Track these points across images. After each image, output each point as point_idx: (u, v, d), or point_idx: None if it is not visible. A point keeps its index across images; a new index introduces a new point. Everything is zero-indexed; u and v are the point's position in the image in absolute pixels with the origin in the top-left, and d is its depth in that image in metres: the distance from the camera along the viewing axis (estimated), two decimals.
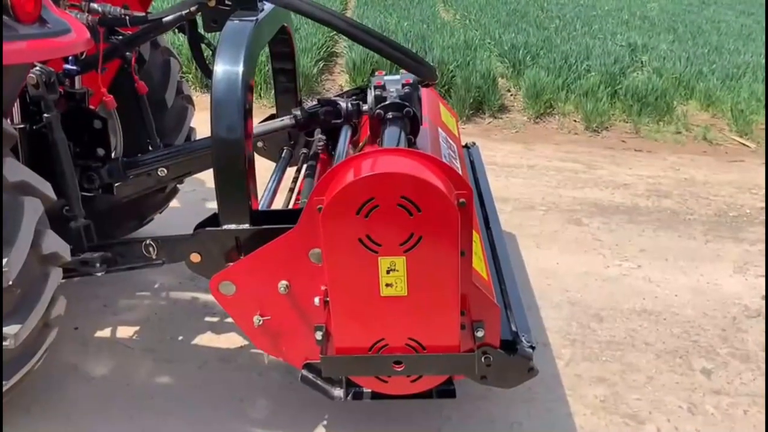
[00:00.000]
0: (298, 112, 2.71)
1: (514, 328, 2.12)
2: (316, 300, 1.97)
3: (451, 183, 1.82)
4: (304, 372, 2.15)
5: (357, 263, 1.84)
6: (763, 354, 2.96)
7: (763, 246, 3.95)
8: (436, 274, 1.85)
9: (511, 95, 6.68)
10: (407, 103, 2.31)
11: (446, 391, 2.15)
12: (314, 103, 2.86)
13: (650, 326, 3.13)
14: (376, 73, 2.50)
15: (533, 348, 2.07)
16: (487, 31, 8.44)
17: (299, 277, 1.99)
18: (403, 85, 2.37)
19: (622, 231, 4.06)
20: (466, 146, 3.31)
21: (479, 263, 2.14)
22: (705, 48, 8.23)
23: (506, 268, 2.42)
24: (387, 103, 2.32)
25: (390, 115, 2.31)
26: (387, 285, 1.86)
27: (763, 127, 6.02)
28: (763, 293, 3.43)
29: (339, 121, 2.70)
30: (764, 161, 5.34)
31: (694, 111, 6.52)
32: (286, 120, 2.76)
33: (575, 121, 6.18)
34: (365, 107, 2.57)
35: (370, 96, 2.40)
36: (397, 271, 1.84)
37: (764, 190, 4.78)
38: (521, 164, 5.12)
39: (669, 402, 2.65)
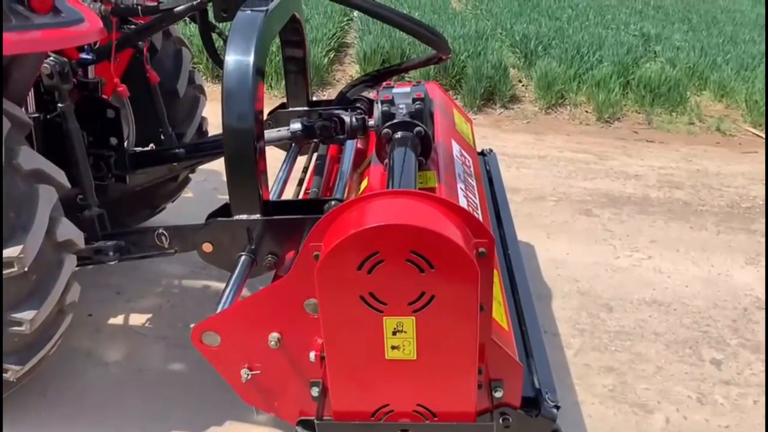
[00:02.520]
0: (298, 126, 2.49)
1: (537, 384, 1.91)
2: (312, 355, 1.76)
3: (469, 231, 1.60)
4: (299, 429, 1.91)
5: (358, 323, 1.62)
6: None
7: None
8: (450, 337, 1.63)
9: (523, 86, 6.64)
10: (418, 123, 2.15)
11: None
12: (319, 106, 2.80)
13: (660, 317, 3.13)
14: (384, 84, 2.34)
15: (558, 408, 1.86)
16: (498, 21, 8.38)
17: (293, 329, 1.79)
18: (414, 100, 2.18)
19: (633, 222, 4.05)
20: (482, 153, 3.13)
21: (499, 309, 1.92)
22: (720, 38, 8.13)
23: (528, 308, 2.20)
24: (395, 121, 2.16)
25: (399, 134, 2.14)
26: (393, 347, 1.65)
27: None
28: None
29: (342, 136, 2.50)
30: None
31: (708, 102, 6.46)
32: (283, 131, 2.57)
33: (587, 111, 6.14)
34: (371, 122, 2.39)
35: (377, 111, 2.25)
36: (405, 332, 1.62)
37: None
38: (532, 155, 5.10)
39: (678, 392, 2.65)
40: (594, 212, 4.16)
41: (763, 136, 5.80)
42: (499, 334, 1.80)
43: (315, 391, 1.80)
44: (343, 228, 1.58)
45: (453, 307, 1.59)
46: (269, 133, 2.64)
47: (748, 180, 4.80)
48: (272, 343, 1.79)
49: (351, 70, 6.86)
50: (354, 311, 1.61)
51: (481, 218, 2.07)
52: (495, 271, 1.83)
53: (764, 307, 3.24)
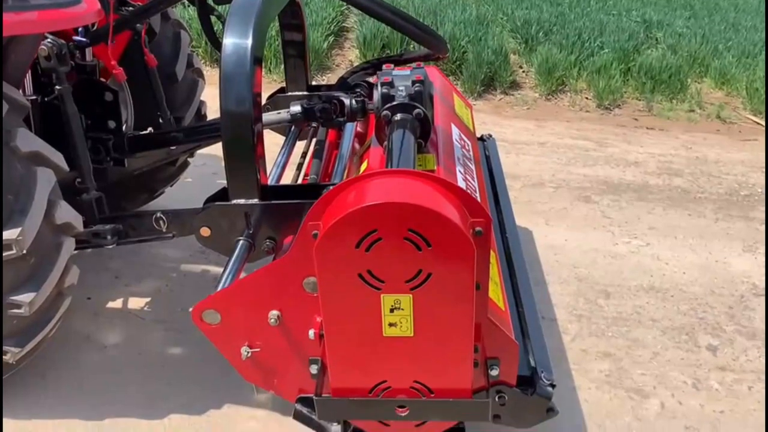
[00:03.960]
0: (298, 108, 2.50)
1: (532, 363, 1.94)
2: (311, 333, 1.78)
3: (466, 210, 1.61)
4: (298, 407, 1.96)
5: (356, 300, 1.64)
6: None
7: None
8: (446, 314, 1.65)
9: (523, 72, 6.62)
10: (417, 104, 2.15)
11: (456, 429, 1.95)
12: (319, 91, 2.80)
13: (657, 303, 3.14)
14: (384, 67, 2.32)
15: (553, 386, 1.89)
16: (499, 7, 8.32)
17: (292, 307, 1.81)
18: (413, 83, 2.18)
19: (632, 209, 4.05)
20: (482, 139, 3.15)
21: (495, 290, 1.94)
22: (721, 25, 8.09)
23: (525, 290, 2.23)
24: (395, 103, 2.16)
25: (398, 116, 2.15)
26: (390, 324, 1.67)
27: None
28: None
29: (342, 119, 2.51)
30: None
31: (709, 89, 6.44)
32: (283, 114, 2.58)
33: (587, 98, 6.12)
34: (371, 105, 2.38)
35: (377, 94, 2.24)
36: (402, 309, 1.65)
37: None
38: (532, 141, 5.09)
39: (674, 377, 2.67)
40: (593, 199, 4.16)
41: (764, 124, 5.79)
42: (495, 313, 1.82)
43: (314, 369, 1.82)
44: (342, 206, 1.59)
45: (449, 285, 1.61)
46: (269, 116, 2.64)
47: (747, 168, 4.80)
48: (272, 320, 1.81)
49: (351, 55, 6.83)
50: (352, 289, 1.62)
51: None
52: (492, 253, 1.84)
53: (761, 293, 3.25)
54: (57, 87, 2.30)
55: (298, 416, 1.97)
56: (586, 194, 4.21)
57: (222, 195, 2.15)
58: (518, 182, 4.28)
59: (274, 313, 1.82)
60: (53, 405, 2.39)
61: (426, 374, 1.76)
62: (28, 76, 2.41)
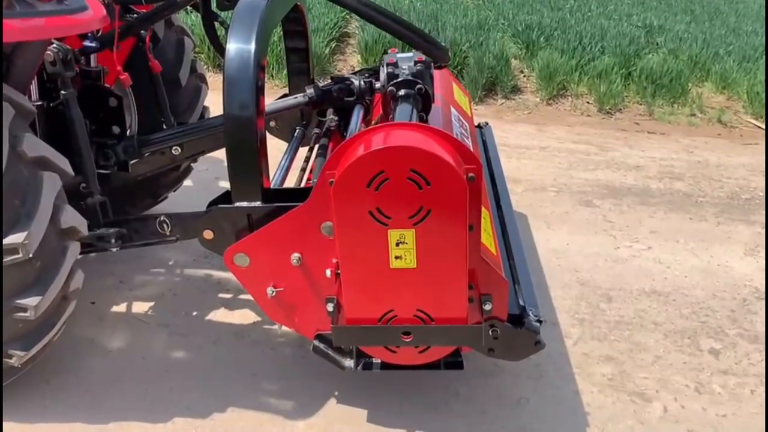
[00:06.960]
0: (311, 90, 2.72)
1: (521, 303, 2.15)
2: (328, 272, 2.01)
3: (460, 157, 1.84)
4: (316, 342, 2.21)
5: (367, 236, 1.87)
6: None
7: None
8: (444, 247, 1.88)
9: (524, 76, 6.63)
10: (419, 81, 2.33)
11: (454, 362, 2.19)
12: (327, 81, 2.88)
13: (659, 307, 3.14)
14: (389, 51, 2.52)
15: (540, 322, 2.11)
16: (500, 12, 8.35)
17: (311, 249, 2.04)
18: (416, 63, 2.38)
19: (633, 213, 4.06)
20: (479, 126, 3.32)
21: (488, 239, 2.17)
22: (722, 29, 8.10)
23: (516, 247, 2.44)
24: (399, 80, 2.34)
25: (402, 92, 2.33)
26: (396, 257, 1.89)
27: None
28: None
29: (352, 98, 2.72)
30: None
31: (710, 93, 6.45)
32: (299, 97, 2.75)
33: (588, 102, 6.14)
34: (378, 85, 2.60)
35: (383, 73, 2.41)
36: (407, 243, 1.87)
37: None
38: (533, 145, 5.11)
39: (676, 381, 2.67)
40: (594, 203, 4.17)
41: (764, 127, 5.80)
42: (487, 255, 2.04)
43: (330, 306, 2.02)
44: (354, 153, 1.83)
45: (446, 220, 1.84)
46: (286, 101, 2.81)
47: (748, 171, 4.81)
48: (294, 261, 2.05)
49: (352, 60, 6.85)
50: (364, 225, 1.85)
51: None
52: (486, 211, 2.10)
53: (762, 297, 3.26)
54: (62, 92, 2.32)
55: (316, 351, 2.21)
56: (588, 198, 4.22)
57: (225, 198, 2.18)
58: (520, 186, 4.29)
59: (295, 255, 2.05)
60: (57, 409, 2.39)
61: (427, 303, 1.98)
62: (34, 82, 2.43)
